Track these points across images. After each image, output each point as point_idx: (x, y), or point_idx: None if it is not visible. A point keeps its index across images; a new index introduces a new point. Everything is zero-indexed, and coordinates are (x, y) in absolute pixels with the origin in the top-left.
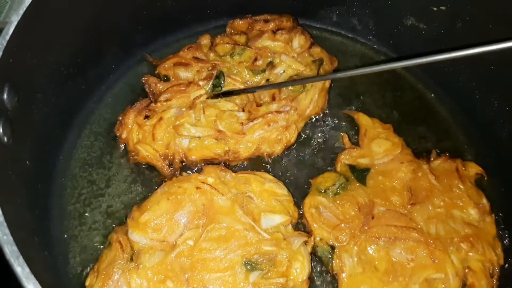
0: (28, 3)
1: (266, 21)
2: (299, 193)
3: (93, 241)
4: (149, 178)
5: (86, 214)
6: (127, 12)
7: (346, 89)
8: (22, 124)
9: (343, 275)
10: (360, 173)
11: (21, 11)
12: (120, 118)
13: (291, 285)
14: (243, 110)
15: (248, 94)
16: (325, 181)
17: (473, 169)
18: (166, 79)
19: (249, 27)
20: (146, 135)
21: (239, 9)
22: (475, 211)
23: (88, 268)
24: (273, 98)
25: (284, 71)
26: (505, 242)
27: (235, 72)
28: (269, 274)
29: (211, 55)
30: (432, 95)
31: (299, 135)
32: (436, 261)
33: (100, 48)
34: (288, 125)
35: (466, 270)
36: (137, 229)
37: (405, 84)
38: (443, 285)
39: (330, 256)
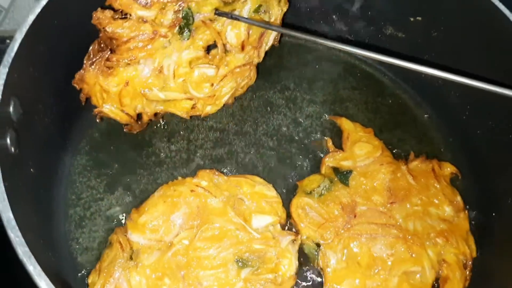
0: (31, 21)
1: None
2: (287, 194)
3: (94, 242)
4: (147, 182)
5: (86, 217)
6: None
7: (330, 95)
8: (26, 135)
9: (328, 270)
10: (343, 175)
11: (24, 29)
12: (78, 76)
13: (280, 280)
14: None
15: (216, 42)
16: (311, 183)
17: (448, 168)
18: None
19: None
20: (112, 97)
21: None
22: (450, 208)
23: (90, 267)
24: (243, 47)
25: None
26: (477, 236)
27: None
28: (259, 270)
29: None
30: (411, 100)
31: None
32: (413, 255)
33: None
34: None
35: (442, 263)
36: (136, 230)
37: (386, 90)
38: (420, 277)
39: (316, 253)
